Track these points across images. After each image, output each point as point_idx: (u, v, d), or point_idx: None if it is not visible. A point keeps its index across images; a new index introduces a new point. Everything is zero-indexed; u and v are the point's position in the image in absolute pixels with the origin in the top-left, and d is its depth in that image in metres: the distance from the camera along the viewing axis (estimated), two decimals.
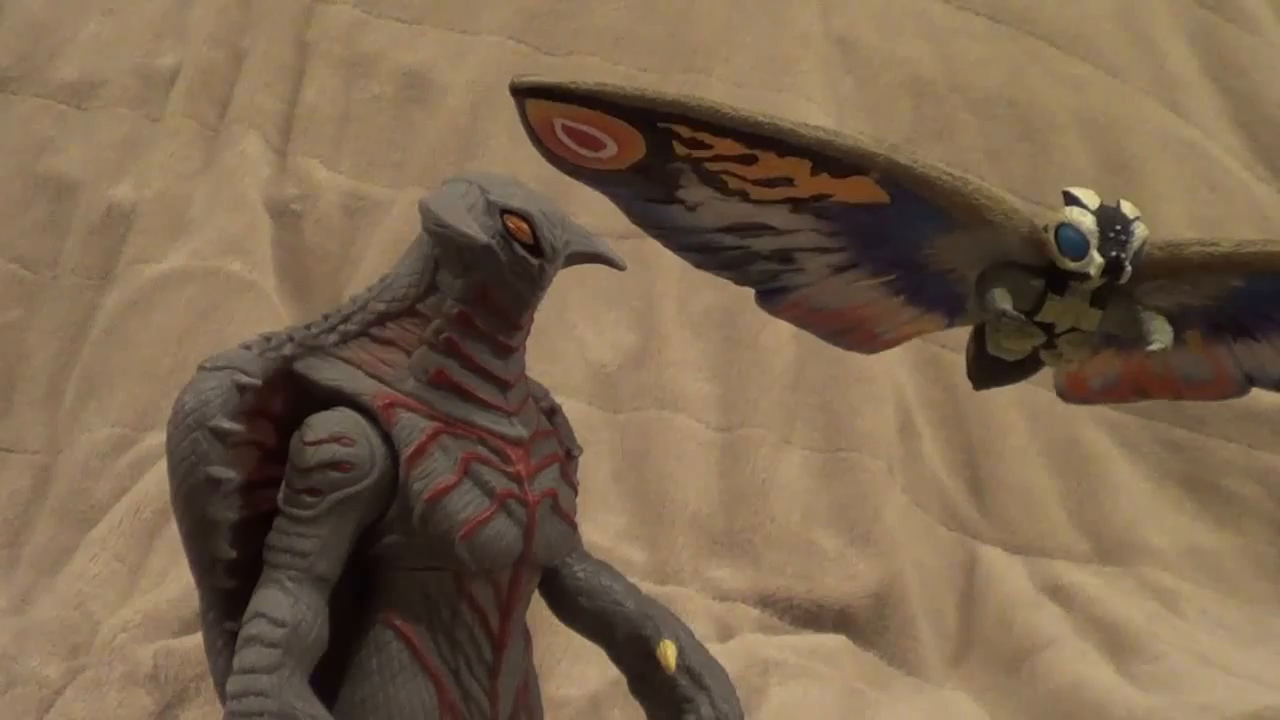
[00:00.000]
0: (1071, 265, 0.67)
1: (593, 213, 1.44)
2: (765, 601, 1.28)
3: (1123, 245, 0.66)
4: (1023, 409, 1.39)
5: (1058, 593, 1.35)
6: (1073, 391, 0.82)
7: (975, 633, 1.32)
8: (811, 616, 1.28)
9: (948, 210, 0.68)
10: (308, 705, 0.59)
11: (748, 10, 1.51)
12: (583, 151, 0.70)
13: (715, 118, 0.67)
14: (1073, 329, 0.69)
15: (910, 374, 1.36)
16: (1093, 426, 1.45)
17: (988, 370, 0.78)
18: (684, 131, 0.67)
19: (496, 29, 1.49)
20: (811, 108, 1.46)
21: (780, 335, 1.36)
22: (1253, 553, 1.46)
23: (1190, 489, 1.47)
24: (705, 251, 0.74)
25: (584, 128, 0.68)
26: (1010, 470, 1.41)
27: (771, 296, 0.76)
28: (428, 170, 1.41)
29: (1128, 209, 0.67)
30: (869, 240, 0.72)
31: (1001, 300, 0.68)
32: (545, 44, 1.48)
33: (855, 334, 0.78)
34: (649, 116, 0.67)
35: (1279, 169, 1.62)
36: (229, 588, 0.62)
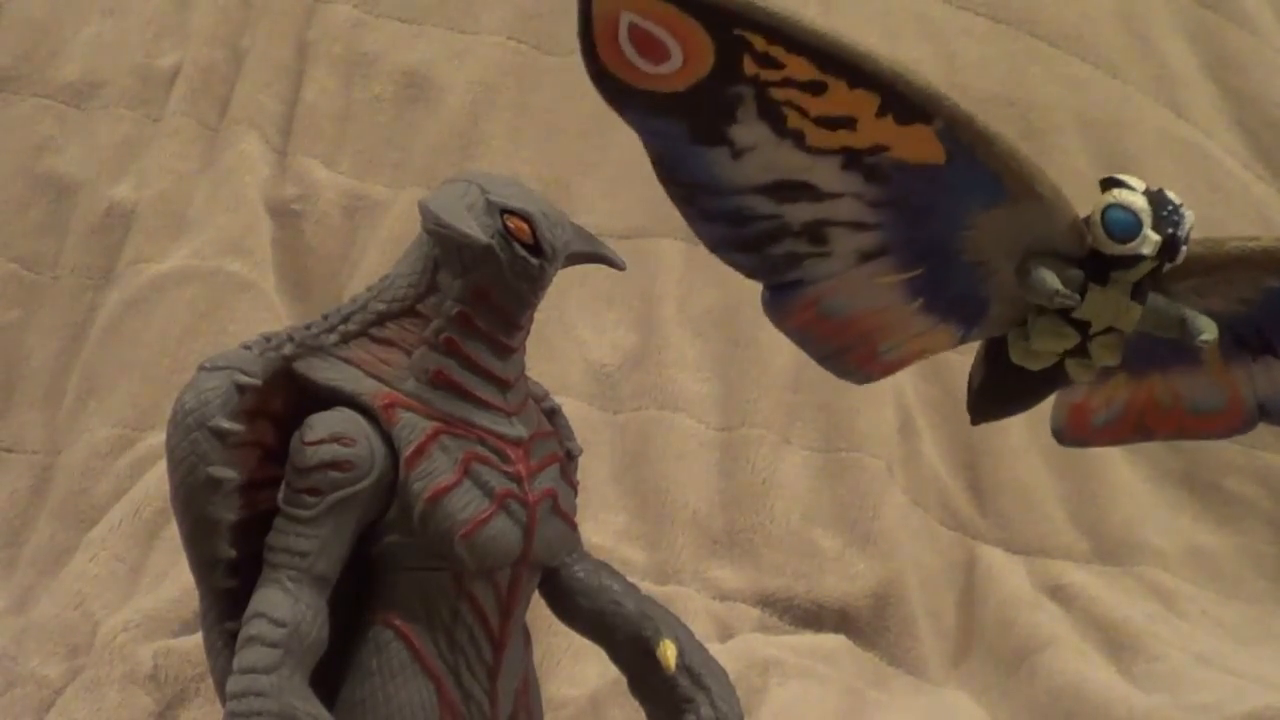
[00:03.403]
0: (1121, 249, 0.65)
1: (593, 213, 1.43)
2: (765, 601, 1.28)
3: (1177, 224, 0.64)
4: None
5: (1058, 593, 1.35)
6: (1072, 430, 0.79)
7: (975, 633, 1.32)
8: (811, 616, 1.28)
9: (1001, 176, 0.66)
10: (308, 705, 0.59)
11: None
12: (642, 64, 0.65)
13: (796, 31, 0.63)
14: (1109, 329, 0.68)
15: (910, 374, 1.36)
16: None
17: (995, 397, 0.76)
18: (759, 43, 0.63)
19: (496, 29, 1.49)
20: None
21: (780, 335, 1.36)
22: (1253, 553, 1.46)
23: (1190, 489, 1.47)
24: (732, 221, 0.70)
25: (653, 28, 0.64)
26: (1010, 470, 1.41)
27: (784, 292, 0.72)
28: (428, 170, 1.41)
29: (1172, 194, 0.66)
30: (910, 216, 0.69)
31: (1050, 280, 0.66)
32: (545, 44, 1.48)
33: (856, 352, 0.75)
34: (727, 19, 0.63)
35: (1279, 169, 1.62)
36: (229, 588, 0.62)
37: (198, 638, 0.69)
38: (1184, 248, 0.64)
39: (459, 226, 0.62)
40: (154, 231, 1.38)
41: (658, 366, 1.37)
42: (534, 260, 0.63)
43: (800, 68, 0.64)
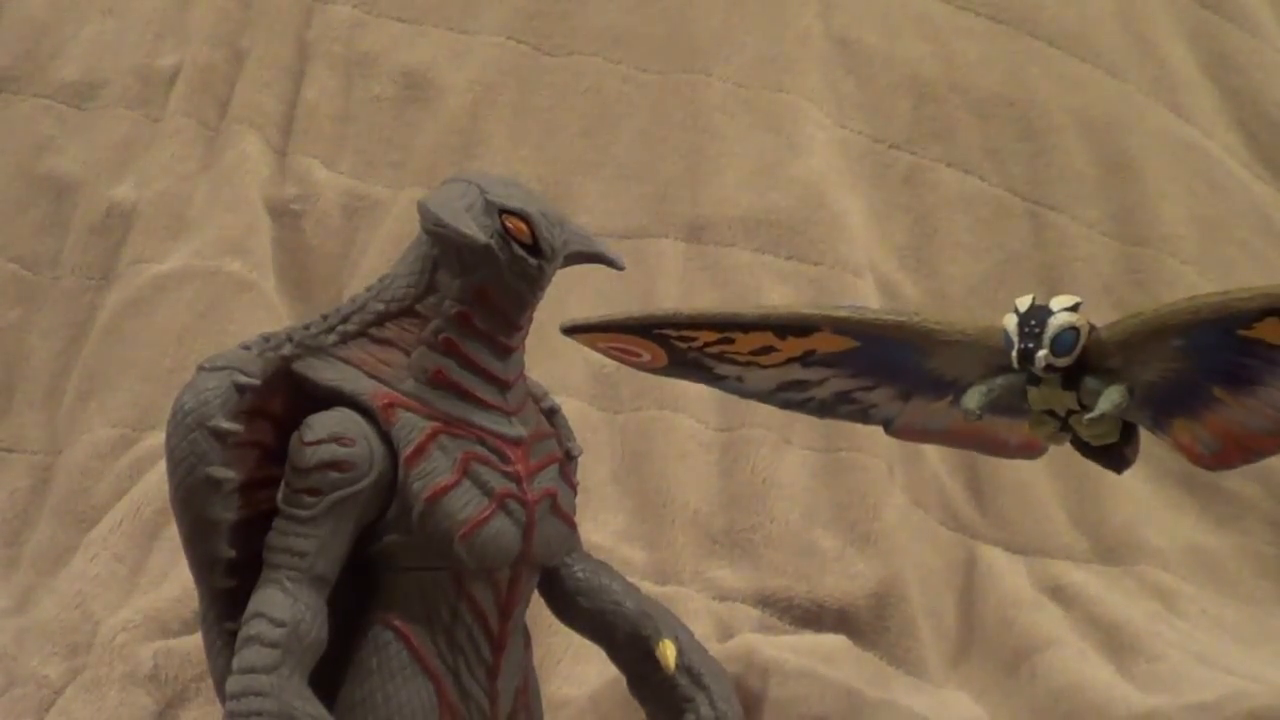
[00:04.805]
0: (1012, 361, 0.72)
1: (592, 213, 1.44)
2: (765, 601, 1.27)
3: (1036, 337, 0.71)
4: None
5: (1058, 593, 1.34)
6: (1194, 460, 0.82)
7: (975, 633, 1.32)
8: (811, 616, 1.27)
9: (910, 341, 0.74)
10: (307, 705, 0.59)
11: (748, 10, 1.51)
12: (632, 360, 0.82)
13: (680, 319, 0.78)
14: (1070, 411, 0.74)
15: None
16: None
17: (1089, 456, 0.80)
18: (671, 333, 0.77)
19: (496, 29, 1.49)
20: (811, 108, 1.46)
21: None
22: (1253, 553, 1.46)
23: (1190, 489, 1.47)
24: (792, 405, 0.81)
25: (618, 345, 0.81)
26: (1010, 470, 1.41)
27: (887, 426, 0.82)
28: (428, 170, 1.41)
29: (1056, 303, 0.72)
30: (887, 375, 0.77)
31: (968, 400, 0.73)
32: (545, 44, 1.48)
33: (990, 446, 0.83)
34: (644, 328, 0.78)
35: (1279, 169, 1.61)
36: (228, 588, 0.62)
37: (198, 638, 0.69)
38: (1040, 354, 0.70)
39: (458, 226, 0.62)
40: (154, 231, 1.38)
41: None
42: (533, 260, 0.64)
43: (706, 335, 0.78)
